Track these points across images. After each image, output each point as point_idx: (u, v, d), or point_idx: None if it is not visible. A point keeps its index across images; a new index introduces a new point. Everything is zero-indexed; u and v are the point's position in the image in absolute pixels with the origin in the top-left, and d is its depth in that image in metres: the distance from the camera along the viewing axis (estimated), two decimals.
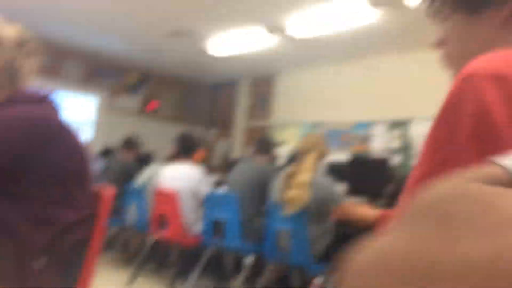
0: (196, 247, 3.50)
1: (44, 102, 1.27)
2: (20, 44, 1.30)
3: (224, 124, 8.57)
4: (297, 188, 2.81)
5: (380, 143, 5.23)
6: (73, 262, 1.26)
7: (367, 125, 5.43)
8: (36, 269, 1.16)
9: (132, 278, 3.70)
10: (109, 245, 4.69)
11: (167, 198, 3.57)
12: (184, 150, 3.76)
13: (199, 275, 3.38)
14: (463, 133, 0.49)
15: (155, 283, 3.79)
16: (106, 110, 7.92)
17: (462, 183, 0.29)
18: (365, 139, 5.41)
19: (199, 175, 3.64)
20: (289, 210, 2.83)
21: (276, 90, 7.53)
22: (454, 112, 0.51)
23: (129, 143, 4.97)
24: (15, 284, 1.13)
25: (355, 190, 3.87)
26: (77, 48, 7.40)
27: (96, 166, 5.13)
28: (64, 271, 1.22)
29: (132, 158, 4.90)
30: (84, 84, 7.75)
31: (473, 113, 0.49)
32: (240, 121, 8.29)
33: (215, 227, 3.34)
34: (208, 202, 3.42)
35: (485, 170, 0.31)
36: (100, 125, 7.86)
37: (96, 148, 6.19)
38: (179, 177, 3.60)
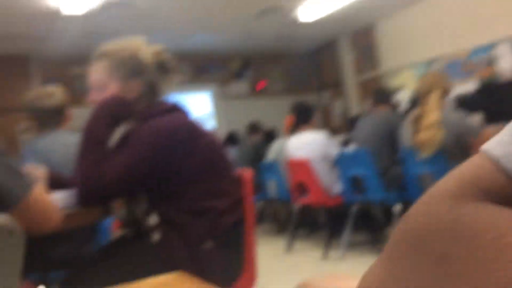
0: (340, 206, 3.65)
1: (175, 110, 1.42)
2: (160, 65, 1.44)
3: (334, 85, 8.55)
4: (427, 130, 2.79)
5: (508, 63, 4.86)
6: (234, 240, 1.43)
7: (487, 48, 5.07)
8: (205, 251, 1.33)
9: (289, 245, 3.97)
10: (259, 219, 5.07)
11: (300, 167, 3.75)
12: (302, 118, 3.90)
13: (351, 232, 3.52)
14: None
15: (311, 246, 4.03)
16: (219, 100, 8.37)
17: (453, 209, 0.24)
18: (490, 63, 5.06)
19: (324, 138, 3.77)
20: (425, 153, 2.83)
21: (379, 38, 7.31)
22: None
23: (254, 127, 5.29)
24: (192, 266, 1.31)
25: (492, 117, 3.70)
26: (182, 51, 7.90)
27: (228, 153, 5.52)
28: (228, 249, 1.39)
29: (260, 139, 5.22)
30: (194, 82, 8.27)
31: None
32: (349, 77, 8.20)
33: (355, 184, 3.44)
34: (340, 162, 3.53)
35: (479, 171, 0.26)
36: (218, 115, 8.34)
37: (221, 136, 6.60)
38: (305, 145, 3.76)
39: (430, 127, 2.76)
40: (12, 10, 5.22)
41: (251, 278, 1.56)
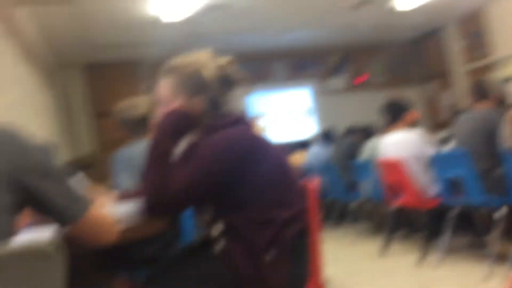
0: (438, 208, 3.43)
1: (239, 123, 1.44)
2: (223, 79, 1.46)
3: (441, 75, 8.04)
4: None
5: None
6: (298, 250, 1.41)
7: None
8: (269, 261, 1.32)
9: (383, 248, 3.83)
10: (355, 219, 4.97)
11: (393, 167, 3.59)
12: (395, 117, 3.72)
13: (449, 236, 3.30)
14: None
15: (407, 250, 3.85)
16: (319, 96, 8.31)
17: None
18: None
19: (417, 137, 3.56)
20: None
21: (490, 23, 6.72)
22: None
23: (350, 129, 5.24)
24: (255, 276, 1.32)
25: None
26: (279, 49, 7.97)
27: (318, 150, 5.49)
28: (292, 259, 1.37)
29: (356, 138, 5.13)
30: (293, 79, 8.30)
31: None
32: (457, 66, 7.65)
33: (453, 186, 3.22)
34: (436, 162, 3.32)
35: None
36: (317, 110, 8.29)
37: (319, 132, 6.55)
38: (398, 145, 3.59)
39: None
40: (118, 20, 5.67)
41: None
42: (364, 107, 7.60)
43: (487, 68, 6.84)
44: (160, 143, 1.38)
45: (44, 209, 1.01)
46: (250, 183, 1.36)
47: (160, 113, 1.47)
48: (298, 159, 5.85)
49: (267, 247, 1.33)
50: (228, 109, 1.49)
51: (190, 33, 6.51)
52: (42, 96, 5.22)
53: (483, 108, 3.26)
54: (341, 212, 5.19)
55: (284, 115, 8.22)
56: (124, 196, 1.73)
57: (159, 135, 1.40)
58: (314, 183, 1.59)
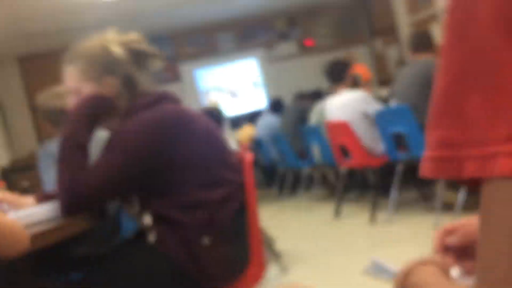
0: (386, 165, 3.44)
1: (161, 101, 1.33)
2: (134, 55, 1.36)
3: (387, 31, 8.05)
4: None
5: None
6: (235, 231, 1.33)
7: None
8: (205, 245, 1.25)
9: (337, 210, 3.84)
10: (308, 185, 4.97)
11: (340, 129, 3.57)
12: (336, 78, 3.67)
13: (398, 192, 3.33)
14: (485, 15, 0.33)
15: (361, 209, 3.88)
16: (268, 64, 8.20)
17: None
18: None
19: (360, 97, 3.53)
20: None
21: None
22: None
23: (299, 95, 5.17)
24: (192, 264, 1.25)
25: None
26: (224, 21, 7.78)
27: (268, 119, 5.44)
28: (230, 241, 1.30)
29: (306, 103, 5.07)
30: (240, 50, 8.15)
31: None
32: (402, 19, 7.67)
33: (398, 142, 3.22)
34: (380, 120, 3.31)
35: None
36: (267, 79, 8.20)
37: (269, 101, 6.49)
38: (342, 107, 3.55)
39: None
40: (49, 7, 5.36)
41: (260, 269, 1.48)
42: (313, 71, 7.55)
43: (432, 19, 6.86)
44: (73, 134, 1.27)
45: None
46: (177, 166, 1.27)
47: (72, 104, 1.36)
48: (248, 132, 5.78)
49: (201, 232, 1.26)
50: (146, 88, 1.38)
51: (128, 12, 6.25)
52: None
53: (423, 59, 3.23)
54: (294, 180, 5.18)
55: (233, 88, 8.10)
56: (48, 196, 1.58)
57: (71, 125, 1.28)
58: (249, 156, 1.48)
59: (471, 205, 2.77)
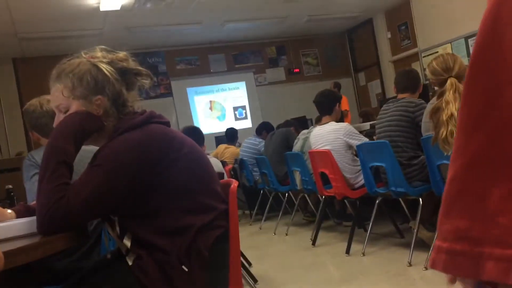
0: (366, 197, 3.51)
1: (150, 121, 1.31)
2: (122, 73, 1.35)
3: (370, 66, 8.27)
4: (444, 126, 2.47)
5: None
6: (216, 258, 1.30)
7: None
8: (183, 272, 1.22)
9: (315, 236, 3.88)
10: (288, 209, 5.00)
11: (321, 157, 3.65)
12: (326, 110, 3.78)
13: (376, 221, 3.38)
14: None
15: (338, 237, 3.93)
16: (256, 88, 8.32)
17: None
18: None
19: (344, 129, 3.63)
20: (446, 151, 2.53)
21: (415, 15, 6.97)
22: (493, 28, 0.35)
23: (286, 123, 5.25)
24: (168, 287, 1.21)
25: None
26: (218, 43, 7.89)
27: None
28: (210, 268, 1.27)
29: (290, 132, 5.14)
30: (232, 73, 8.27)
31: None
32: (385, 56, 7.90)
33: (378, 175, 3.29)
34: (361, 153, 3.39)
35: None
36: (255, 102, 8.30)
37: (254, 124, 6.56)
38: (326, 137, 3.65)
39: (449, 123, 2.46)
40: (49, 13, 5.38)
41: None
42: (299, 98, 7.71)
43: (412, 58, 7.10)
44: (57, 151, 1.24)
45: None
46: (160, 191, 1.24)
47: (58, 122, 1.33)
48: (231, 151, 5.83)
49: (181, 258, 1.23)
50: (136, 107, 1.38)
51: (126, 25, 6.31)
52: None
53: (405, 99, 3.32)
54: (275, 203, 5.22)
55: (223, 107, 8.18)
56: (29, 209, 1.47)
57: (55, 142, 1.25)
58: (234, 183, 1.46)
59: None
